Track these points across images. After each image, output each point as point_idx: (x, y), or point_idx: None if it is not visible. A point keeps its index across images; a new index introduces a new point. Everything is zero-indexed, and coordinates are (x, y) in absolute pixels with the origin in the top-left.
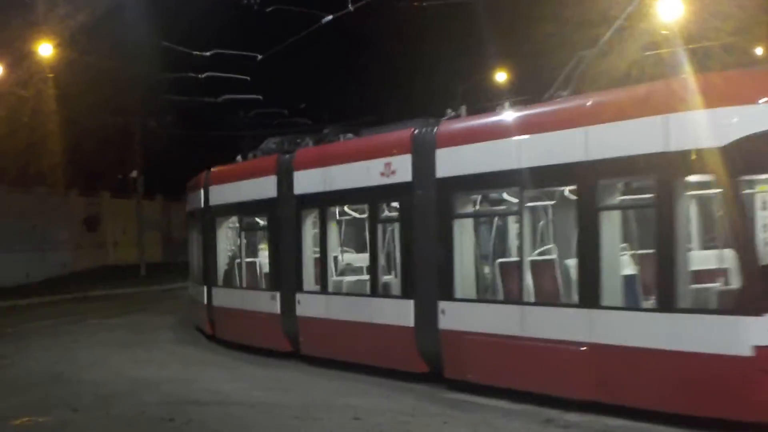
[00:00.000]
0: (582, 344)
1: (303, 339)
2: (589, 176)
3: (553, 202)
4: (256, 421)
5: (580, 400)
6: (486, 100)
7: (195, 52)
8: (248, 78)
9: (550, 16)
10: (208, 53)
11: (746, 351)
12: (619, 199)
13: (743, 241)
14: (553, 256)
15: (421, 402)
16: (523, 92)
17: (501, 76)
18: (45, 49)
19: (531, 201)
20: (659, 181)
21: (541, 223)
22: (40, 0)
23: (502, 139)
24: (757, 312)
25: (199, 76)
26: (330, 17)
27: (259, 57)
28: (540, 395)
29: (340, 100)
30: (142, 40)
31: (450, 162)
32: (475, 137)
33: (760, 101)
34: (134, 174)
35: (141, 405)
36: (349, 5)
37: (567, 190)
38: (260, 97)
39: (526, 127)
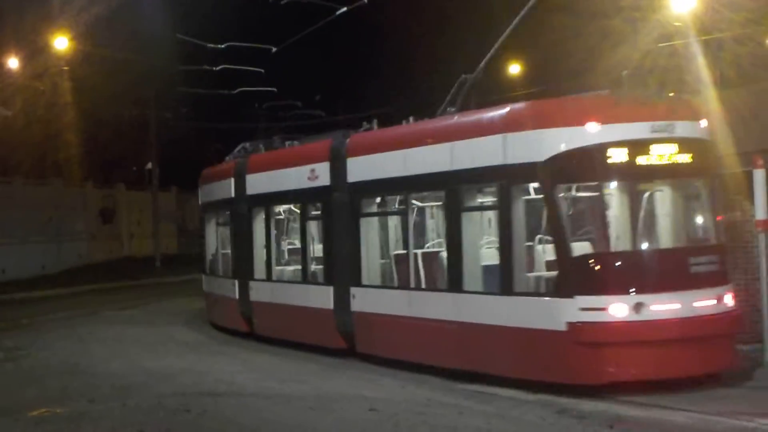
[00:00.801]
0: (452, 322)
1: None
2: (453, 183)
3: (431, 204)
4: (272, 411)
5: (462, 370)
6: (499, 92)
7: (210, 45)
8: (263, 70)
9: (562, 7)
10: (222, 45)
11: (562, 326)
12: (477, 202)
13: (559, 237)
14: (432, 250)
15: (435, 393)
16: (536, 83)
17: (514, 68)
18: (60, 42)
19: (415, 203)
20: (500, 187)
21: (423, 221)
22: None
23: (394, 151)
24: (568, 295)
25: (214, 68)
26: (344, 9)
27: (274, 49)
28: (551, 385)
29: (354, 92)
30: (157, 32)
31: (357, 169)
32: (375, 149)
33: (576, 125)
34: (149, 166)
35: (157, 396)
36: None
37: (439, 194)
38: (275, 89)
39: (410, 141)
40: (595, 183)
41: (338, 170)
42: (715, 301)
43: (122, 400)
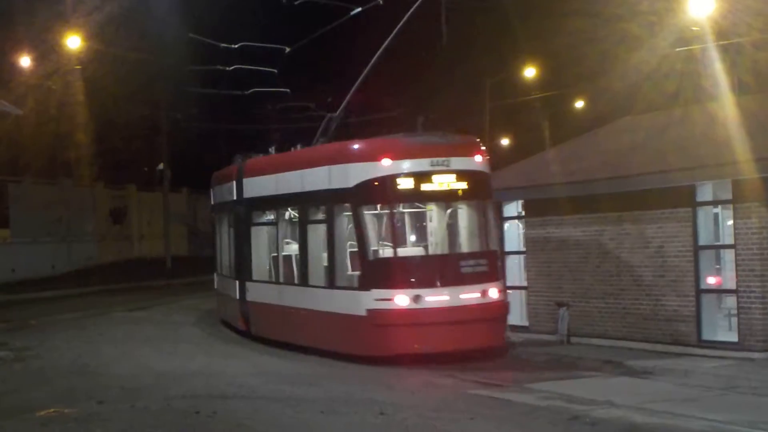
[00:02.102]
0: (302, 309)
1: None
2: (301, 202)
3: (292, 218)
4: (283, 414)
5: (311, 348)
6: (514, 95)
7: (223, 45)
8: (276, 70)
9: (579, 11)
10: (235, 46)
11: (363, 312)
12: (315, 217)
13: (361, 245)
14: (291, 253)
15: (446, 398)
16: (551, 87)
17: (530, 72)
18: (73, 42)
19: (283, 216)
20: (326, 207)
21: (288, 231)
22: None
23: (270, 175)
24: (367, 288)
25: (227, 68)
26: (359, 9)
27: (287, 50)
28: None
29: (367, 94)
30: (170, 32)
31: (248, 188)
32: (260, 172)
33: (375, 160)
34: (160, 167)
35: (166, 398)
36: None
37: (295, 210)
38: (288, 90)
39: (280, 167)
40: (388, 204)
41: (239, 188)
42: (479, 294)
43: (131, 401)
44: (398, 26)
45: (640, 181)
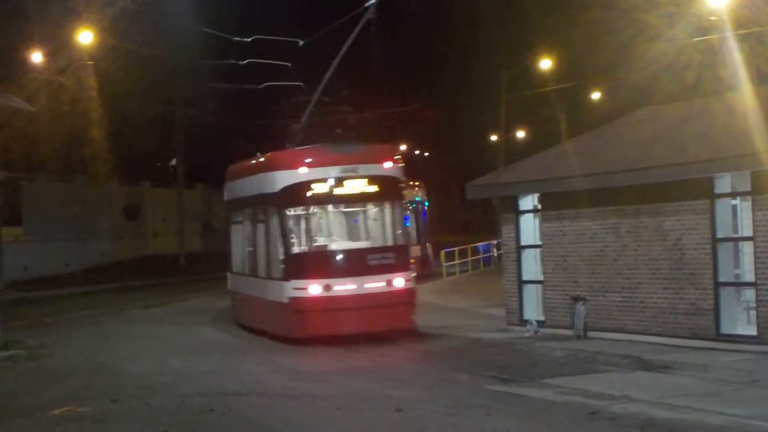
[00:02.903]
0: (254, 297)
1: None
2: (252, 204)
3: (250, 218)
4: (298, 412)
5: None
6: (530, 87)
7: (236, 38)
8: (289, 64)
9: (597, 2)
10: (249, 39)
11: (286, 300)
12: (261, 217)
13: (284, 242)
14: (250, 248)
15: (463, 394)
16: (568, 78)
17: (546, 63)
18: (85, 37)
19: (249, 216)
20: (264, 208)
21: (249, 229)
22: None
23: (241, 178)
24: (288, 279)
25: (240, 62)
26: (373, 1)
27: (301, 43)
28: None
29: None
30: (183, 26)
31: (229, 190)
32: (236, 176)
33: (295, 168)
34: (174, 162)
35: (181, 396)
36: None
37: (251, 211)
38: (301, 84)
39: (244, 172)
40: (305, 206)
41: (226, 189)
42: (384, 284)
43: (146, 399)
44: (343, 48)
45: (658, 174)
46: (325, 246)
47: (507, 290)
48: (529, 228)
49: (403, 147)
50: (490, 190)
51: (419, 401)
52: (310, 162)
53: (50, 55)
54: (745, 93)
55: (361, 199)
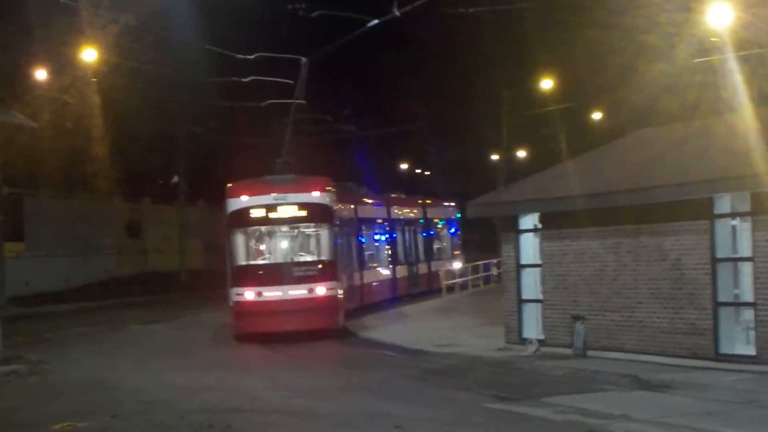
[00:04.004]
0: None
1: None
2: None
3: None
4: (297, 429)
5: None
6: (530, 107)
7: (239, 55)
8: (292, 81)
9: (597, 23)
10: (252, 57)
11: (232, 303)
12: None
13: (231, 256)
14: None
15: (463, 412)
16: (569, 98)
17: (547, 83)
18: (89, 54)
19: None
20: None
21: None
22: (84, 5)
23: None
24: (233, 286)
25: (243, 79)
26: (375, 21)
27: (303, 60)
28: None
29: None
30: (186, 44)
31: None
32: (236, 194)
33: (239, 196)
34: (175, 179)
35: (181, 412)
36: (395, 11)
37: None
38: (304, 101)
39: (234, 194)
40: (245, 227)
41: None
42: (306, 291)
43: (146, 415)
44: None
45: (659, 194)
46: (259, 260)
47: (507, 309)
48: (530, 247)
49: (404, 166)
50: (491, 209)
51: (419, 419)
52: (249, 192)
53: (54, 73)
54: (746, 114)
55: (291, 221)
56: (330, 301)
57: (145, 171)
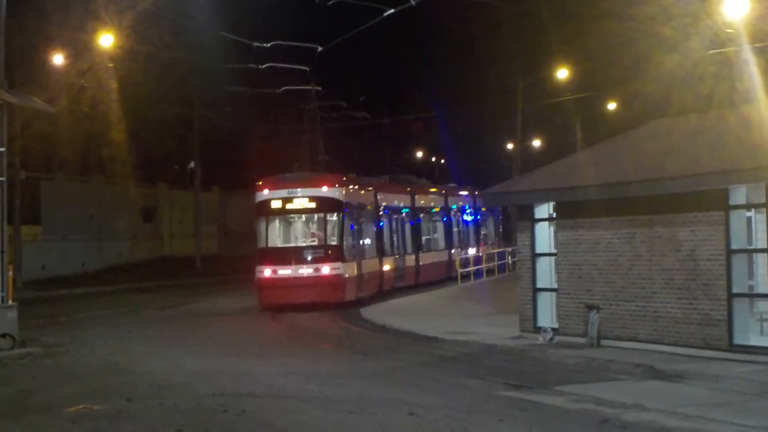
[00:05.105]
0: None
1: None
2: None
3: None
4: (311, 415)
5: None
6: (545, 97)
7: (255, 43)
8: (308, 68)
9: (612, 14)
10: (268, 44)
11: (256, 280)
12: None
13: (259, 240)
14: None
15: (477, 400)
16: (584, 89)
17: (562, 73)
18: (106, 40)
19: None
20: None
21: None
22: None
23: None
24: (258, 265)
25: (259, 66)
26: (392, 11)
27: (320, 49)
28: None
29: (400, 94)
30: (203, 30)
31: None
32: (263, 188)
33: (263, 190)
34: (191, 164)
35: (195, 396)
36: (411, 0)
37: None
38: (320, 88)
39: (263, 187)
40: (267, 216)
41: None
42: (312, 270)
43: (161, 399)
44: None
45: (673, 184)
46: (276, 244)
47: (521, 297)
48: (545, 236)
49: (419, 154)
50: (506, 198)
51: (433, 406)
52: (269, 186)
53: (71, 58)
54: (761, 105)
55: (303, 212)
56: (334, 279)
57: (160, 156)
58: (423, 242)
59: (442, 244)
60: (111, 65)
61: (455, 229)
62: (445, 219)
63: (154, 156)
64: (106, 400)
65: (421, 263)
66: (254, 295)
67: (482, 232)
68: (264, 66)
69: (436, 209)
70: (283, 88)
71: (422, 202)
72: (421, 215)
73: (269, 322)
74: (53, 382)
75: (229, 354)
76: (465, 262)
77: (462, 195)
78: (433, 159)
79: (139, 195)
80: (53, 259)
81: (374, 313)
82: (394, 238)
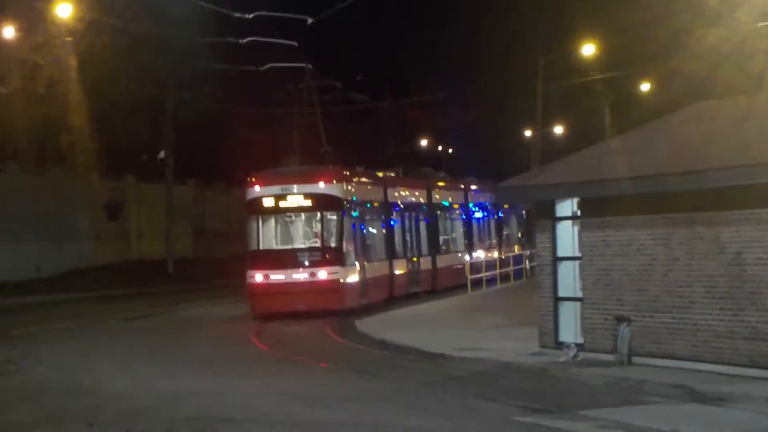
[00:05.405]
0: None
1: None
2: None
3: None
4: None
5: None
6: (569, 76)
7: (236, 14)
8: (296, 44)
9: None
10: (250, 15)
11: (247, 285)
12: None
13: (248, 241)
14: None
15: (489, 425)
16: (614, 68)
17: (589, 49)
18: (64, 10)
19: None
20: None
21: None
22: None
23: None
24: (248, 269)
25: (240, 41)
26: None
27: (310, 20)
28: None
29: (402, 73)
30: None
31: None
32: (255, 184)
33: (254, 186)
34: (162, 155)
35: (167, 421)
36: None
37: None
38: (310, 65)
39: (253, 183)
40: (259, 215)
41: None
42: (307, 275)
43: (127, 425)
44: None
45: (717, 177)
46: (268, 246)
47: (541, 308)
48: (568, 237)
49: (423, 142)
50: (524, 193)
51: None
52: (261, 182)
53: (24, 31)
54: None
55: (298, 210)
56: (332, 284)
57: (128, 144)
58: (441, 243)
59: (461, 245)
60: (70, 39)
61: (475, 229)
62: (464, 217)
63: (120, 144)
64: (63, 425)
65: (438, 266)
66: (236, 304)
67: (505, 232)
68: (246, 40)
69: (455, 206)
70: (267, 65)
71: (440, 198)
72: (439, 213)
73: (252, 335)
74: (1, 405)
75: (206, 372)
76: (478, 267)
77: (483, 190)
78: (440, 148)
79: (104, 189)
80: (3, 263)
81: (372, 324)
82: (408, 239)
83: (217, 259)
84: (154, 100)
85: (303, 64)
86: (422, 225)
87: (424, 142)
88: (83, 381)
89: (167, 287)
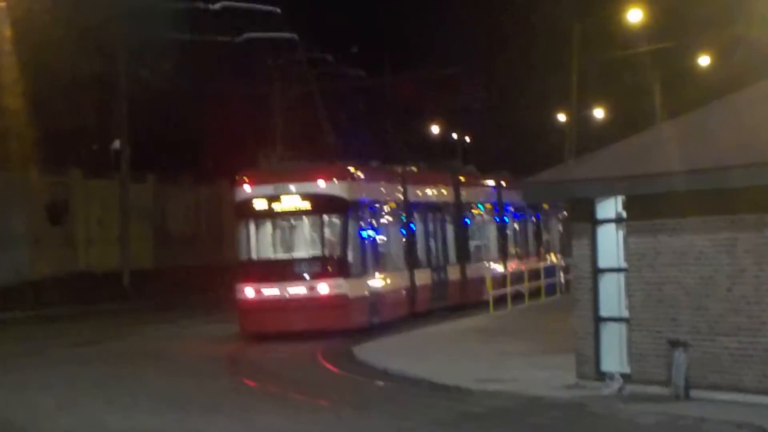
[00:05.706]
0: None
1: None
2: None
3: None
4: None
5: None
6: (610, 48)
7: None
8: (278, 10)
9: None
10: None
11: (237, 300)
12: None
13: (239, 250)
14: None
15: None
16: (665, 37)
17: (635, 15)
18: None
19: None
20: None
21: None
22: None
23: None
24: (238, 282)
25: (211, 6)
26: None
27: None
28: None
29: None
30: None
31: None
32: (245, 183)
33: (243, 186)
34: (116, 145)
35: None
36: None
37: None
38: (295, 35)
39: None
40: (249, 219)
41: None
42: (305, 289)
43: None
44: None
45: None
46: (260, 255)
47: (578, 331)
48: (611, 244)
49: (435, 129)
50: (557, 190)
51: None
52: (251, 181)
53: None
54: None
55: (295, 214)
56: (335, 300)
57: (72, 131)
58: (472, 250)
59: (495, 252)
60: (2, 4)
61: (510, 233)
62: (498, 219)
63: (64, 131)
64: None
65: (468, 277)
66: (204, 324)
67: (544, 237)
68: (218, 5)
69: (488, 206)
70: (245, 36)
71: (469, 196)
72: (468, 215)
73: (226, 363)
74: None
75: (170, 408)
76: (511, 279)
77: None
78: (455, 135)
79: (44, 186)
80: None
81: (373, 350)
82: (431, 246)
83: (182, 269)
84: (104, 76)
85: (289, 34)
86: (450, 229)
87: (435, 129)
88: (18, 420)
89: (122, 305)
